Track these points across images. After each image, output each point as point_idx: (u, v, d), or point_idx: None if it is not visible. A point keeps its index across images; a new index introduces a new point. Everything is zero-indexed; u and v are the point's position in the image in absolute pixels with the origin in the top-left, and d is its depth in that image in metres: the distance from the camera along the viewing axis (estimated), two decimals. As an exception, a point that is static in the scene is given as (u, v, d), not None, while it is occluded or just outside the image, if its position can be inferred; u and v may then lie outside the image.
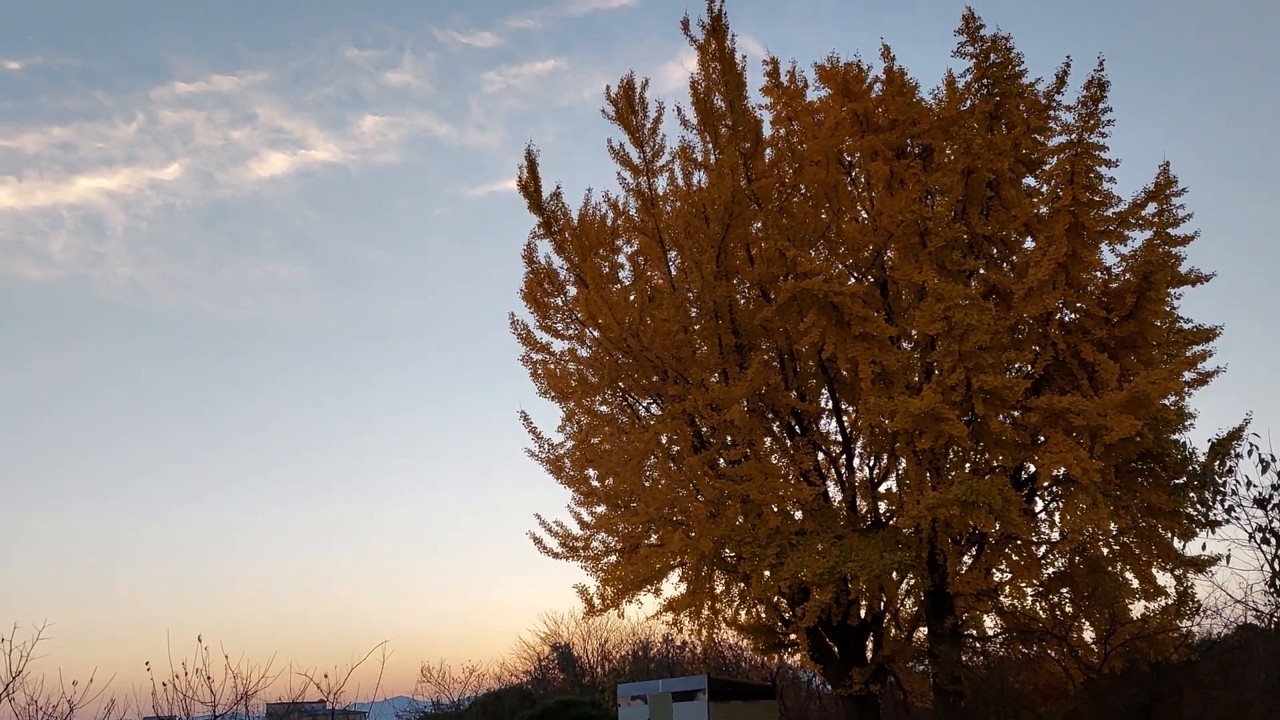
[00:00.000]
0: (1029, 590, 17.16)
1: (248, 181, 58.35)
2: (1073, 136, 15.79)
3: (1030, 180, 17.23)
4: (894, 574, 16.15)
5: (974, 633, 17.89)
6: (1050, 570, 16.97)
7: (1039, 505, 16.98)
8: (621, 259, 18.23)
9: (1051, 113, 16.71)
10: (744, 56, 17.07)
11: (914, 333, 16.53)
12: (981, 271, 16.64)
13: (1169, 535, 15.93)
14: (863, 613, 17.69)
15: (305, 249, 62.67)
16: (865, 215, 17.45)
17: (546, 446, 18.36)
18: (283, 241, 61.75)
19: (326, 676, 10.89)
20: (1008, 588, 17.06)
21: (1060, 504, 16.29)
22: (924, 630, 17.69)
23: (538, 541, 18.17)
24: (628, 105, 17.05)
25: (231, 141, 57.14)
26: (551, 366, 18.25)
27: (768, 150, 17.94)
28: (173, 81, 55.71)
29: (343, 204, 62.60)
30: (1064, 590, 17.07)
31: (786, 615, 18.15)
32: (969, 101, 16.97)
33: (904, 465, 16.29)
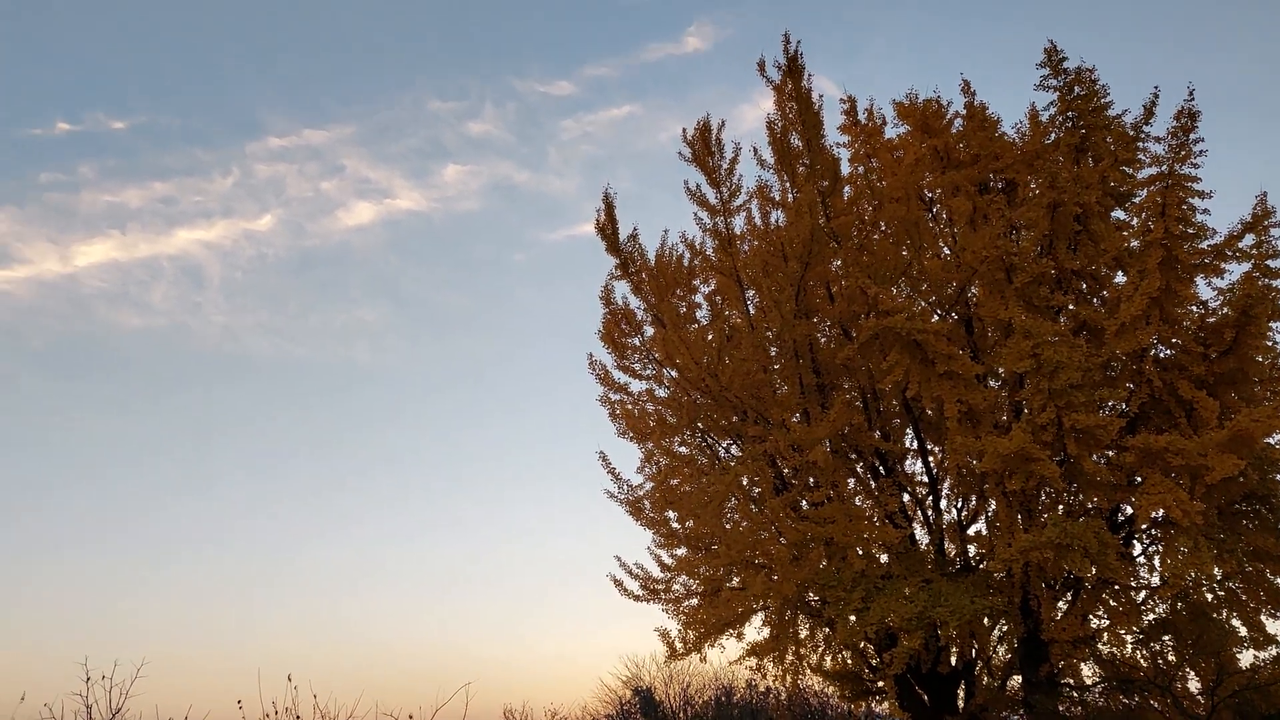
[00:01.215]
0: (1129, 637, 16.47)
1: (336, 231, 60.14)
2: (1163, 168, 15.31)
3: (1119, 214, 16.77)
4: (985, 620, 15.65)
5: (1071, 681, 17.20)
6: (1151, 617, 16.28)
7: (1137, 549, 16.35)
8: (699, 299, 18.17)
9: (1140, 145, 16.27)
10: (820, 95, 17.04)
11: (1001, 371, 16.14)
12: (1071, 307, 16.20)
13: (1278, 580, 15.20)
14: (953, 660, 17.15)
15: (390, 295, 64.17)
16: (948, 252, 17.18)
17: (626, 488, 18.20)
18: (369, 288, 63.40)
19: (411, 717, 10.92)
20: (1106, 635, 16.39)
21: (1160, 547, 15.67)
22: (1018, 678, 17.07)
23: (618, 584, 18.02)
24: (704, 146, 17.10)
25: (321, 192, 59.03)
26: (630, 407, 18.20)
27: (846, 188, 17.80)
28: (266, 137, 57.93)
29: (426, 250, 63.98)
30: (1166, 638, 16.35)
31: (874, 661, 17.70)
32: (1053, 135, 16.65)
33: (994, 507, 15.84)
